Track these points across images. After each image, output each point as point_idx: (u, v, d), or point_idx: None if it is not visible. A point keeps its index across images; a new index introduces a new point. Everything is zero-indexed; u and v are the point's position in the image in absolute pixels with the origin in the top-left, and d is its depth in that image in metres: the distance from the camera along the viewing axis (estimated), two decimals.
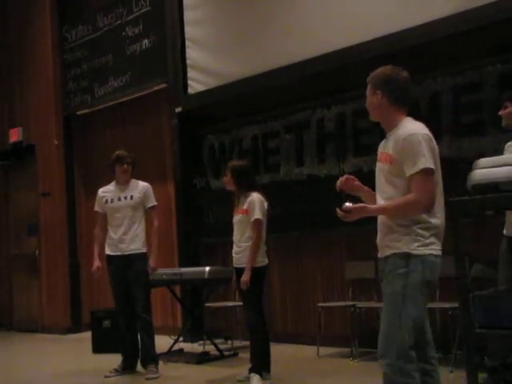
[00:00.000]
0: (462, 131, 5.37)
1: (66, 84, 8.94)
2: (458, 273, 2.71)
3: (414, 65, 5.62)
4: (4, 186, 9.87)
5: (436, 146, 2.98)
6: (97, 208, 5.79)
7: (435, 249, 2.91)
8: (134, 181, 5.75)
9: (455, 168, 5.24)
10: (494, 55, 5.18)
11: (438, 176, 2.98)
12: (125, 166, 5.66)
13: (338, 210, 2.96)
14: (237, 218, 5.06)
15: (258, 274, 4.92)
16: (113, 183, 5.79)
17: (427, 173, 2.86)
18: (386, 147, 3.06)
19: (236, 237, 5.06)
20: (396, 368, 2.83)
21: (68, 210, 8.83)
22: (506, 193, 2.75)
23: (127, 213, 5.59)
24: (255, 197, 4.99)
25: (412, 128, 2.97)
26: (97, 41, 8.59)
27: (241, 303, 6.67)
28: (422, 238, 2.88)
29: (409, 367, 2.83)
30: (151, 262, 5.58)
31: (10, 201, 9.80)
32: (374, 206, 3.00)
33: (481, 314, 2.61)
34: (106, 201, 5.69)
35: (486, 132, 5.18)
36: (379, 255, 3.07)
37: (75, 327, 8.66)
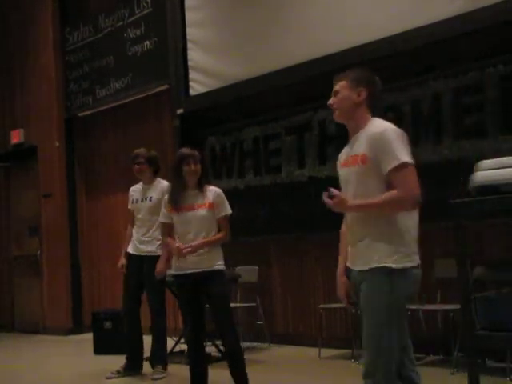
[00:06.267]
0: (463, 132, 5.36)
1: (67, 85, 8.95)
2: (460, 275, 2.70)
3: (416, 66, 5.66)
4: (5, 187, 9.88)
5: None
6: (129, 206, 5.72)
7: (416, 259, 2.66)
8: (158, 180, 5.60)
9: (456, 169, 5.25)
10: (496, 56, 5.17)
11: None
12: (136, 166, 5.56)
13: (324, 197, 2.78)
14: (197, 213, 4.22)
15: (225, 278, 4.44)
16: (141, 182, 5.70)
17: (409, 166, 2.63)
18: (354, 150, 2.87)
19: (192, 235, 4.21)
20: None
21: (69, 211, 8.82)
22: (507, 195, 2.75)
23: (146, 214, 5.49)
24: (219, 190, 4.39)
25: (385, 124, 2.78)
26: (98, 42, 8.59)
27: (242, 304, 6.68)
28: (403, 249, 2.64)
29: None
30: (158, 264, 5.25)
31: (11, 202, 9.80)
32: (354, 202, 2.73)
33: (482, 316, 2.61)
34: (133, 200, 5.64)
35: (488, 133, 5.18)
36: (351, 266, 2.81)
37: (77, 328, 8.66)
